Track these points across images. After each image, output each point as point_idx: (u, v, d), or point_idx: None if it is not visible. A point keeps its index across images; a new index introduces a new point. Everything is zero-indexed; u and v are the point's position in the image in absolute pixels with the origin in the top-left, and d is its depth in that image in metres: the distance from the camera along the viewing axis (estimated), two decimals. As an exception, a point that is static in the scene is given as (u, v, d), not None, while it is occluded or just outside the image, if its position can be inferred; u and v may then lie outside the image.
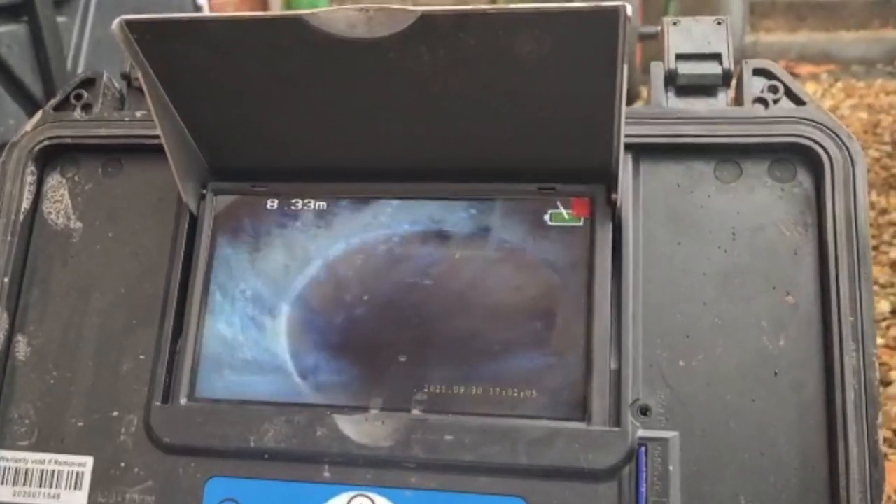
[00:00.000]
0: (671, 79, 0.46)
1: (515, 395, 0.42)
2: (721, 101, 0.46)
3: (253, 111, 0.44)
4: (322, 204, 0.47)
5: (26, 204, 0.49)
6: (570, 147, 0.43)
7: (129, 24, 0.39)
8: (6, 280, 0.48)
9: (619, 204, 0.44)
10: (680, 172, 0.45)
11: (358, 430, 0.42)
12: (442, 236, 0.45)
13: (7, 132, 1.01)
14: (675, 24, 0.47)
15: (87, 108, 0.51)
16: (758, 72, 0.46)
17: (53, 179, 0.51)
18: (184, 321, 0.46)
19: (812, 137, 0.43)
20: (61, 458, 0.45)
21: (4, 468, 0.46)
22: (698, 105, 0.46)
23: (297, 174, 0.47)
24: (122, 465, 0.45)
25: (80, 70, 1.14)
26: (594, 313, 0.42)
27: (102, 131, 0.50)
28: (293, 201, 0.47)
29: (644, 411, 0.42)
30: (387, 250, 0.45)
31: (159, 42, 0.40)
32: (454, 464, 0.42)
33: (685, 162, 0.45)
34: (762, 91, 0.45)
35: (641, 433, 0.41)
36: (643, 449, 0.41)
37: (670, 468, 0.40)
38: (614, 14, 0.35)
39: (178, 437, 0.44)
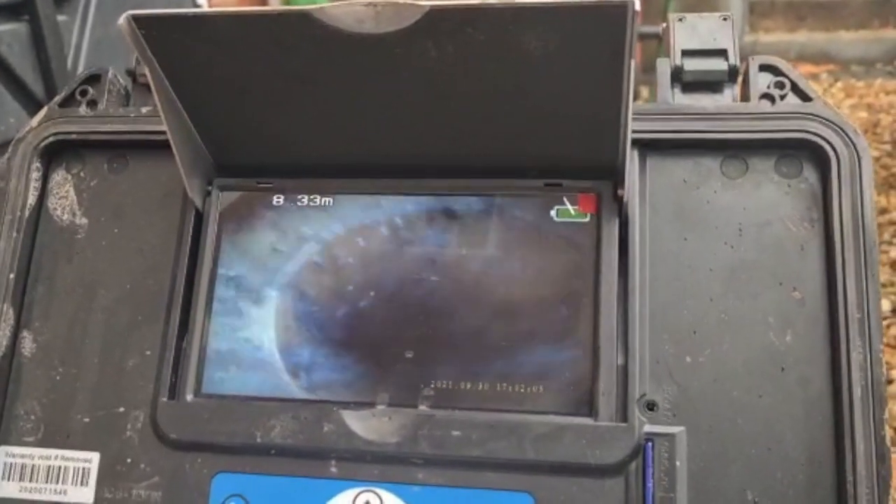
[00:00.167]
0: (677, 75, 0.46)
1: (522, 390, 0.42)
2: (727, 97, 0.46)
3: (259, 107, 0.44)
4: (328, 200, 0.47)
5: (32, 200, 0.49)
6: (577, 143, 0.43)
7: (136, 20, 0.39)
8: (12, 276, 0.48)
9: (625, 200, 0.44)
10: (686, 168, 0.45)
11: (365, 425, 0.42)
12: (448, 232, 0.45)
13: (8, 130, 1.01)
14: (680, 20, 0.47)
15: (92, 104, 0.50)
16: (764, 67, 0.46)
17: (59, 176, 0.50)
18: (189, 317, 0.46)
19: (819, 133, 0.43)
20: (67, 454, 0.45)
21: (11, 464, 0.46)
22: (704, 101, 0.46)
23: (303, 170, 0.47)
24: (129, 461, 0.45)
25: (80, 69, 1.14)
26: (601, 309, 0.42)
27: (108, 127, 0.49)
28: (299, 197, 0.47)
29: (651, 407, 0.42)
30: (393, 247, 0.45)
31: (166, 37, 0.40)
32: (461, 459, 0.41)
33: (692, 158, 0.45)
34: (768, 87, 0.45)
35: (648, 428, 0.41)
36: (650, 444, 0.41)
37: (677, 463, 0.40)
38: (622, 9, 0.35)
39: (185, 433, 0.44)
